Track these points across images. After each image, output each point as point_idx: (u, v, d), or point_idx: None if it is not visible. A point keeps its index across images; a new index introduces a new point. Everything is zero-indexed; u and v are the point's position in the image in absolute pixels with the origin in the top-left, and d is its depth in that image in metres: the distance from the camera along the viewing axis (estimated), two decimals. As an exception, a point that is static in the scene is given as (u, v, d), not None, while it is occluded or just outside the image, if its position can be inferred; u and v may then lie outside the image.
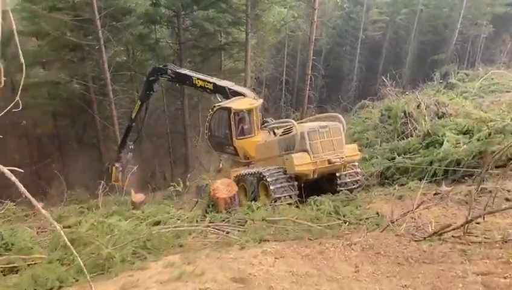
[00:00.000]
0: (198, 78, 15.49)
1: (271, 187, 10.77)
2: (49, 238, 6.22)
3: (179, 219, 8.18)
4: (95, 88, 23.15)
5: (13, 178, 2.62)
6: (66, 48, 22.55)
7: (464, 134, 12.77)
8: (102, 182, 14.56)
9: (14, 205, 12.48)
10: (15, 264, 5.34)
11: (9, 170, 2.82)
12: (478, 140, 11.35)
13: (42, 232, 8.74)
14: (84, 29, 21.16)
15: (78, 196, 17.79)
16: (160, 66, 17.61)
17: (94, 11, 18.79)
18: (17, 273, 5.15)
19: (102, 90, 22.45)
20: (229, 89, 14.39)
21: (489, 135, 11.14)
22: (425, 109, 17.02)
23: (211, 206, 7.70)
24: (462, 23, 37.14)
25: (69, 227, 7.78)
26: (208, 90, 15.37)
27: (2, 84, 1.89)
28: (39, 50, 23.83)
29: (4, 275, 5.17)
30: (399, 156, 13.53)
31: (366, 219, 7.78)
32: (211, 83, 15.03)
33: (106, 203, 14.30)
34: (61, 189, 19.71)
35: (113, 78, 21.48)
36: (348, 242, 5.14)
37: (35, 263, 5.36)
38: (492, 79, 24.57)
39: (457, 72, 31.16)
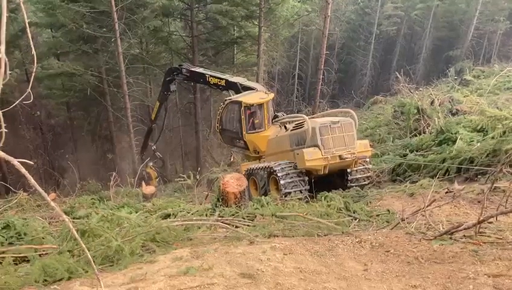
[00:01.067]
0: (211, 76, 15.74)
1: (281, 182, 10.78)
2: (61, 229, 6.26)
3: (188, 212, 8.21)
4: (108, 80, 23.30)
5: (23, 170, 2.62)
6: (81, 40, 22.72)
7: (478, 132, 12.65)
8: (114, 173, 14.69)
9: (28, 195, 12.63)
10: (26, 254, 5.40)
11: (20, 162, 2.81)
12: (492, 138, 11.22)
13: (55, 222, 8.81)
14: (100, 21, 21.27)
15: (90, 187, 17.98)
16: (176, 66, 17.95)
17: (111, 3, 18.85)
18: (28, 262, 5.20)
19: (116, 82, 22.59)
20: (241, 84, 14.50)
21: (504, 133, 11.01)
22: (439, 105, 16.91)
23: (220, 200, 7.70)
24: (478, 19, 36.65)
25: (80, 218, 7.87)
26: (220, 87, 15.57)
27: (8, 78, 1.88)
28: (54, 41, 24.03)
29: (16, 264, 5.22)
30: (411, 152, 13.46)
31: (377, 215, 7.74)
32: (223, 79, 15.20)
33: (118, 195, 14.42)
34: (74, 179, 19.97)
35: (127, 70, 21.60)
36: (357, 239, 5.10)
37: (46, 253, 5.41)
38: (508, 76, 24.17)
39: (473, 69, 30.78)
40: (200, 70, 16.96)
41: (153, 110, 20.04)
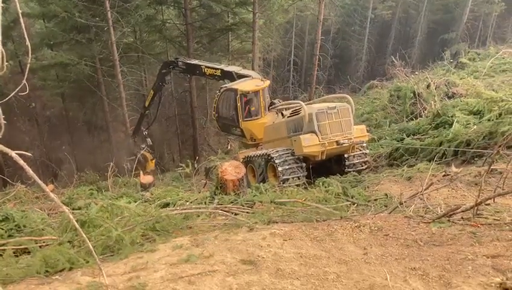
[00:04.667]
0: (207, 67, 15.81)
1: (279, 169, 10.81)
2: (60, 220, 6.26)
3: (187, 201, 8.22)
4: (102, 70, 23.15)
5: (21, 162, 2.61)
6: (74, 30, 22.48)
7: (474, 114, 12.69)
8: (112, 163, 14.66)
9: (26, 187, 12.61)
10: (26, 246, 5.40)
11: (18, 153, 2.80)
12: (489, 120, 11.27)
13: (54, 213, 8.81)
14: (92, 10, 21.05)
15: (88, 177, 17.97)
16: (172, 59, 18.13)
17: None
18: (29, 254, 5.20)
19: (110, 72, 22.45)
20: (236, 73, 14.48)
21: (500, 115, 11.06)
22: (435, 89, 16.89)
23: (219, 188, 7.70)
24: (473, 1, 36.48)
25: (79, 209, 7.86)
26: (216, 77, 15.63)
27: (5, 69, 1.86)
28: (47, 32, 23.79)
29: (16, 256, 5.22)
30: (408, 136, 13.50)
31: (375, 200, 7.78)
32: (218, 69, 15.25)
33: (115, 185, 14.41)
34: (71, 170, 19.95)
35: (121, 59, 21.45)
36: (356, 224, 5.12)
37: (46, 245, 5.41)
38: (503, 58, 24.19)
39: (468, 51, 30.70)
40: (196, 62, 17.11)
41: (146, 98, 20.11)
